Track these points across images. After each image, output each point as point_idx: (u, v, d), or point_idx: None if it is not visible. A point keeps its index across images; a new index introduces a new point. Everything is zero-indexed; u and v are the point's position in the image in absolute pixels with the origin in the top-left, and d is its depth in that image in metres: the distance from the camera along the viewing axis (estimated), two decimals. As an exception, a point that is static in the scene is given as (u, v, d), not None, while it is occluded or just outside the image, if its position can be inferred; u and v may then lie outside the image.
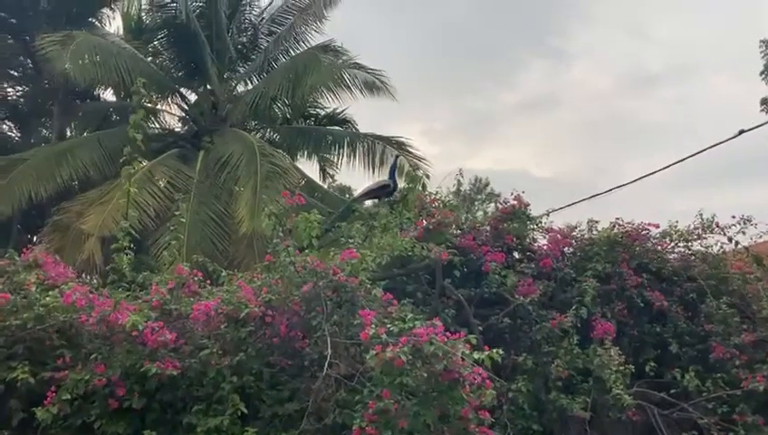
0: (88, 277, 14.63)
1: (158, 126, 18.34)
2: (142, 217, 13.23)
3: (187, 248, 12.52)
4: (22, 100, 20.39)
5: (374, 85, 17.31)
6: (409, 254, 7.47)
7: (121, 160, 6.54)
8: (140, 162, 6.55)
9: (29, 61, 18.51)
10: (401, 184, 10.29)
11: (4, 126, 21.19)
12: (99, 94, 18.12)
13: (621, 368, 6.99)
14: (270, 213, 6.34)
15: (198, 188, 14.38)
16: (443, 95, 52.50)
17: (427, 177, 12.64)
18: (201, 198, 14.23)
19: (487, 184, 36.24)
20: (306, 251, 6.72)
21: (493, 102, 52.41)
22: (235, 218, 12.93)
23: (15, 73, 20.34)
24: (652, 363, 7.64)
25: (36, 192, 14.31)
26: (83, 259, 12.63)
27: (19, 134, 20.48)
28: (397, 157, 14.26)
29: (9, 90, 20.67)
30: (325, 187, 19.79)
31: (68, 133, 19.63)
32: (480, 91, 52.51)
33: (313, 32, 17.91)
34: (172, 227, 7.58)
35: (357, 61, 17.29)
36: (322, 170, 19.74)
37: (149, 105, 17.79)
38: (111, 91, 17.62)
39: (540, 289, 7.84)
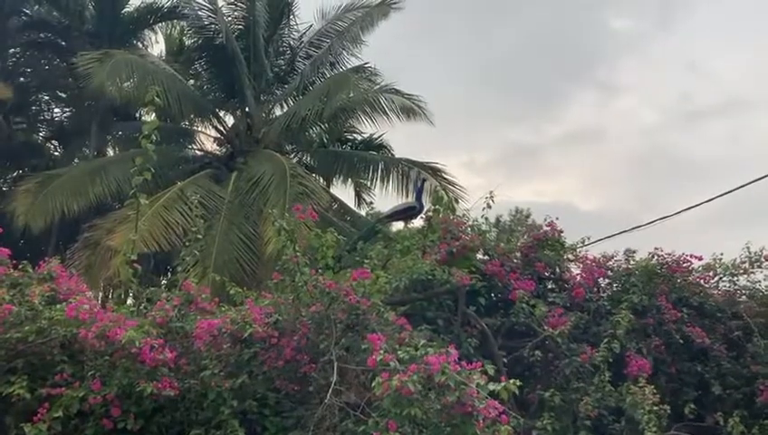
0: (113, 294, 14.69)
1: (195, 147, 18.48)
2: (170, 236, 13.25)
3: (213, 268, 12.40)
4: (66, 119, 20.91)
5: (411, 110, 17.21)
6: (430, 277, 7.20)
7: (132, 170, 6.34)
8: (151, 171, 6.30)
9: (73, 81, 18.87)
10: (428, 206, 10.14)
11: (50, 145, 21.77)
12: (137, 113, 18.29)
13: (656, 408, 6.53)
14: (280, 228, 6.05)
15: (229, 208, 14.37)
16: (486, 127, 52.28)
17: (456, 200, 12.29)
18: (231, 219, 14.21)
19: (528, 215, 35.89)
20: (320, 271, 6.52)
21: (537, 135, 51.99)
22: (263, 239, 12.80)
23: (63, 94, 20.92)
24: (692, 405, 7.25)
25: (69, 207, 14.44)
26: (110, 276, 12.59)
27: (63, 152, 20.95)
28: (423, 180, 14.15)
29: (56, 110, 21.29)
30: (362, 213, 19.68)
31: (109, 152, 19.97)
32: (524, 123, 52.21)
33: (351, 56, 17.94)
34: (187, 244, 7.34)
35: (394, 86, 17.25)
36: (358, 195, 19.61)
37: (190, 127, 17.97)
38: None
39: (571, 321, 7.54)
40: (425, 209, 9.95)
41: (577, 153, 51.62)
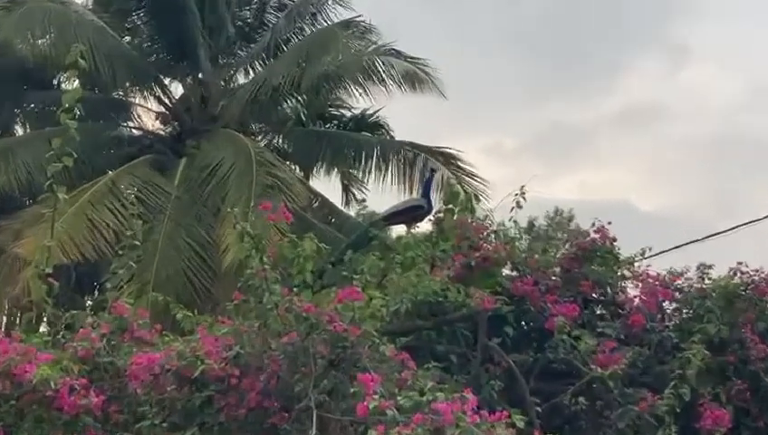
0: (21, 318, 14.67)
1: (131, 124, 18.48)
2: (97, 242, 13.28)
3: (154, 285, 12.44)
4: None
5: (417, 78, 17.37)
6: (440, 300, 7.28)
7: (47, 155, 6.36)
8: (73, 156, 6.33)
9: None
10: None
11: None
12: (55, 80, 18.22)
13: (739, 475, 6.53)
14: (243, 232, 6.08)
15: (176, 206, 14.47)
16: (516, 102, 52.66)
17: (476, 198, 12.37)
18: (179, 220, 14.33)
19: (571, 218, 36.08)
20: (296, 290, 6.58)
21: (583, 112, 52.33)
22: (221, 246, 12.86)
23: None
24: (784, 471, 7.19)
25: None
26: (16, 294, 12.60)
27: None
28: (433, 170, 14.27)
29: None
30: (352, 213, 19.74)
31: (17, 131, 19.92)
32: (567, 98, 52.60)
33: (337, 3, 18.02)
34: (121, 252, 7.37)
35: (394, 47, 17.33)
36: (346, 190, 19.72)
37: (125, 98, 17.94)
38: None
39: (627, 358, 7.49)
40: (434, 209, 10.05)
41: (634, 137, 52.07)
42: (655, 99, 52.53)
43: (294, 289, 6.60)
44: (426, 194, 11.04)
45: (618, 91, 52.51)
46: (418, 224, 10.03)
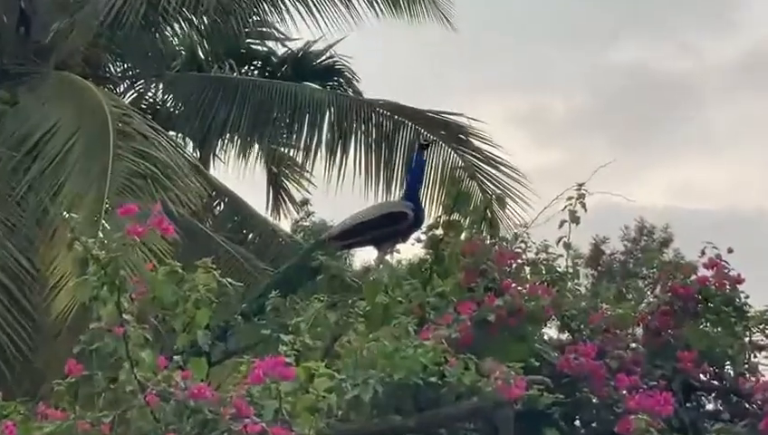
0: None
1: None
2: None
3: None
4: None
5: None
6: (433, 381, 7.27)
7: None
8: None
9: None
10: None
11: None
12: None
13: None
14: (86, 254, 6.14)
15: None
16: (573, 44, 52.84)
17: (501, 201, 12.33)
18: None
19: (666, 242, 36.24)
20: (179, 358, 6.69)
21: (681, 62, 52.52)
22: (47, 278, 12.97)
23: None
24: None
25: None
26: None
27: None
28: (423, 145, 14.00)
29: None
30: (285, 226, 19.77)
31: None
32: (652, 37, 52.73)
33: None
34: None
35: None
36: (274, 183, 19.72)
37: None
38: None
39: None
40: (426, 221, 10.16)
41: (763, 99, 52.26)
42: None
43: (177, 358, 6.67)
44: (411, 190, 10.98)
45: (742, 25, 52.97)
46: (399, 246, 10.10)
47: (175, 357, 6.61)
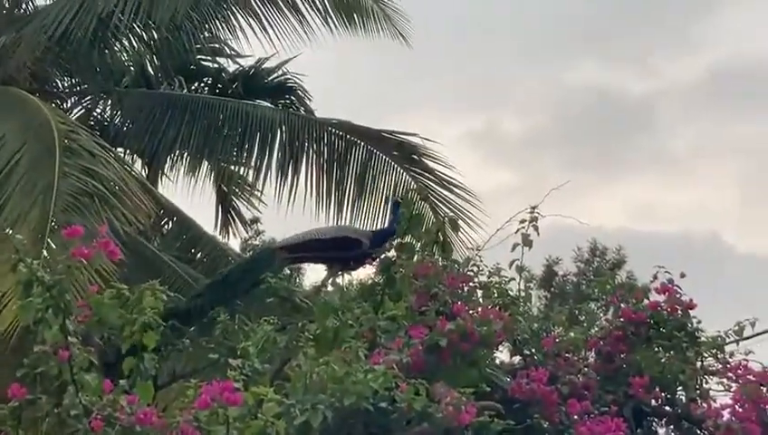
0: None
1: None
2: None
3: None
4: None
5: (357, 6, 17.30)
6: (384, 406, 7.29)
7: None
8: None
9: None
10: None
11: None
12: None
13: None
14: (31, 276, 6.02)
15: None
16: (530, 61, 53.03)
17: (454, 224, 12.28)
18: None
19: (619, 263, 36.36)
20: (126, 383, 6.60)
21: (641, 80, 52.88)
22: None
23: None
24: None
25: None
26: None
27: None
28: (397, 204, 13.84)
29: None
30: (234, 245, 19.66)
31: None
32: (612, 55, 53.00)
33: None
34: None
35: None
36: (223, 202, 19.66)
37: None
38: None
39: None
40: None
41: (730, 121, 52.72)
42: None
43: (122, 382, 6.57)
44: (384, 231, 10.95)
45: (704, 42, 53.33)
46: (352, 271, 10.19)
47: (121, 381, 6.49)
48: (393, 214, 12.34)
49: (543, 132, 52.31)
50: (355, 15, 17.35)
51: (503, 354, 8.50)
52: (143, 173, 17.83)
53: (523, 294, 8.95)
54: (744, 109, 53.43)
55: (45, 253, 11.42)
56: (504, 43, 51.45)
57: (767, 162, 51.59)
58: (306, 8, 17.04)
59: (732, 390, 8.63)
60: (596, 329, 9.11)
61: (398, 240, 9.13)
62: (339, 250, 10.47)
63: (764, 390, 8.57)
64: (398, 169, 16.58)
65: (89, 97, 18.39)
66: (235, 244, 20.55)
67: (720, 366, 8.87)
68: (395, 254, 9.01)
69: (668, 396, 8.71)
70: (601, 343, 8.80)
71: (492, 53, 50.47)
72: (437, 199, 16.26)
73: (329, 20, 17.24)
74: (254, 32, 17.41)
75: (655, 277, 8.94)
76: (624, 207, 51.00)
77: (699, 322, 8.92)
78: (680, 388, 8.73)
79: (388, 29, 17.58)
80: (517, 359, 8.52)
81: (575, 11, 50.71)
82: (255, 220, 23.96)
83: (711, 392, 8.79)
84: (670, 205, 51.73)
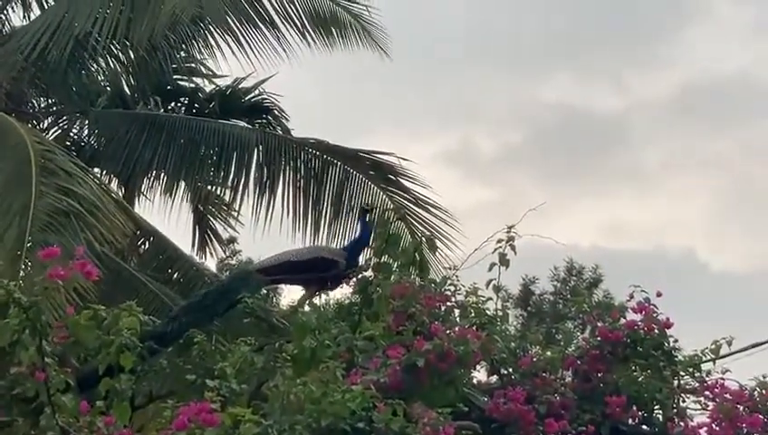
0: None
1: None
2: None
3: None
4: None
5: (335, 20, 17.32)
6: (361, 427, 7.28)
7: None
8: None
9: None
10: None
11: None
12: None
13: None
14: (8, 297, 6.07)
15: None
16: (504, 79, 52.99)
17: (431, 243, 12.23)
18: None
19: (596, 282, 36.28)
20: (103, 404, 6.69)
21: (615, 97, 52.89)
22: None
23: None
24: None
25: None
26: None
27: None
28: (365, 211, 13.57)
29: None
30: (211, 266, 19.60)
31: None
32: (585, 72, 53.00)
33: None
34: None
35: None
36: (200, 222, 19.63)
37: None
38: None
39: None
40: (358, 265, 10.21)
41: (702, 139, 52.70)
42: (738, 71, 53.46)
43: (100, 403, 6.62)
44: (356, 245, 11.10)
45: (672, 62, 53.35)
46: (329, 290, 10.24)
47: (97, 402, 6.51)
48: (361, 222, 12.37)
49: (518, 150, 52.22)
50: (333, 30, 17.35)
51: (480, 374, 8.52)
52: (120, 193, 17.78)
53: (500, 313, 8.96)
54: (715, 124, 53.36)
55: (22, 273, 11.43)
56: (476, 61, 51.41)
57: (738, 177, 51.21)
58: (284, 23, 17.07)
59: (709, 408, 8.73)
60: (573, 348, 9.12)
61: (375, 260, 9.14)
62: (315, 271, 10.42)
63: (741, 408, 8.64)
64: (375, 188, 16.57)
65: (65, 117, 18.35)
66: (211, 263, 20.54)
67: (697, 385, 8.95)
68: (372, 274, 9.03)
69: (645, 415, 8.75)
70: (578, 362, 8.84)
71: (464, 71, 50.35)
72: (414, 219, 16.27)
73: (306, 35, 17.23)
74: (232, 50, 17.40)
75: (631, 296, 8.99)
76: (598, 225, 50.90)
77: (676, 341, 8.97)
78: (657, 407, 8.78)
79: (367, 42, 17.58)
80: (494, 378, 8.56)
81: (548, 28, 50.76)
82: (232, 240, 23.84)
83: (688, 411, 8.88)
84: (644, 221, 51.63)
